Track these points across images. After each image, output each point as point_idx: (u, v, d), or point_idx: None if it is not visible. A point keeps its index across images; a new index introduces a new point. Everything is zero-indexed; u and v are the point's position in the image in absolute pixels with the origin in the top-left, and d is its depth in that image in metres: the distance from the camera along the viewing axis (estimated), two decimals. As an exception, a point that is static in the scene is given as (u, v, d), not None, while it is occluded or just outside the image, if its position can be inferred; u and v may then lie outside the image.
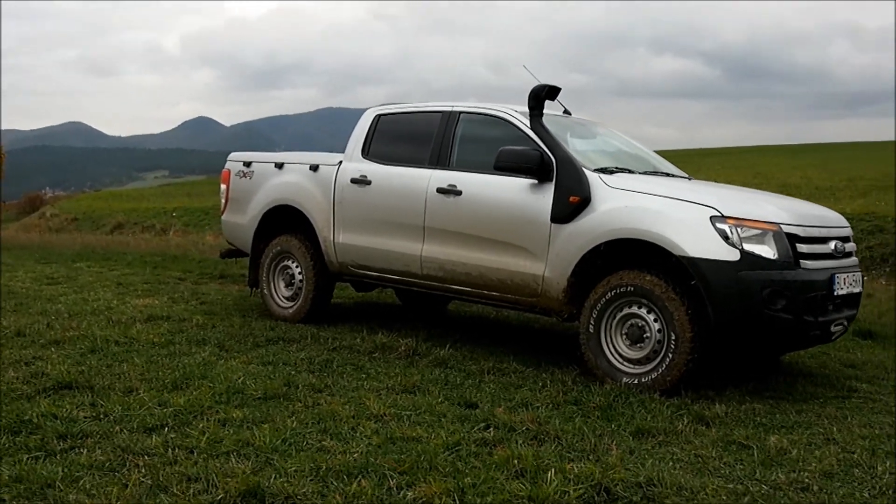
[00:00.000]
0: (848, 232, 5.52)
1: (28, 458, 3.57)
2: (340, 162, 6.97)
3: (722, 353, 5.25)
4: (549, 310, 5.74)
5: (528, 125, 5.89)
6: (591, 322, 5.36)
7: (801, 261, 4.97)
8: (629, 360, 5.24)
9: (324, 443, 3.96)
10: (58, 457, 3.65)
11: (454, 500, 3.26)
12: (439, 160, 6.32)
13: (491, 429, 4.25)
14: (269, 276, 7.45)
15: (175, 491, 3.28)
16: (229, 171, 7.87)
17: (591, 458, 3.85)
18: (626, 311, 5.26)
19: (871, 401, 5.19)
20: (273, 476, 3.43)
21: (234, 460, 3.65)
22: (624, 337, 5.28)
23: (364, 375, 5.37)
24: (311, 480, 3.43)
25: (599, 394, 4.93)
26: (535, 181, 5.68)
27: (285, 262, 7.35)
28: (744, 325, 4.91)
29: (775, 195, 5.93)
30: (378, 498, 3.29)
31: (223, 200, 7.95)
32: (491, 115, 6.24)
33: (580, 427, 4.31)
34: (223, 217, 8.01)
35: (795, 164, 32.86)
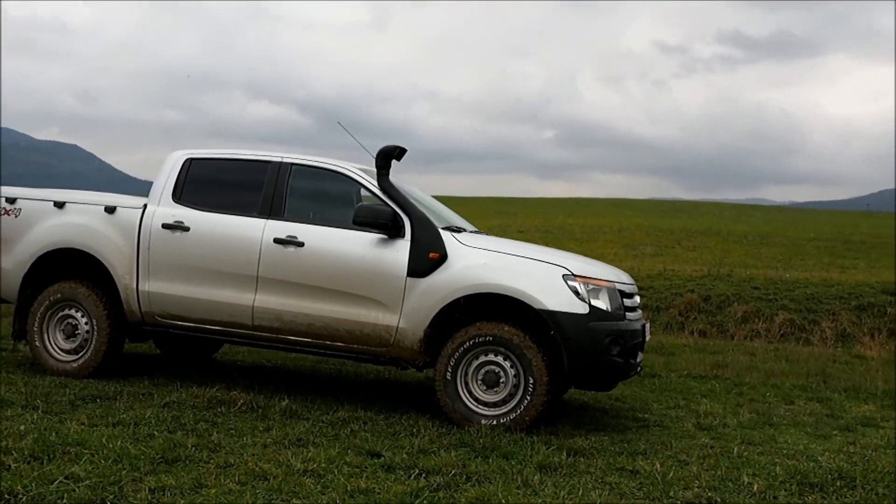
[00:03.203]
0: (636, 288, 6.62)
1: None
2: (145, 205, 6.57)
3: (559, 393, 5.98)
4: (400, 359, 6.04)
5: (374, 182, 6.18)
6: (449, 370, 5.78)
7: (626, 313, 5.91)
8: (484, 404, 5.74)
9: (294, 502, 3.91)
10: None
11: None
12: (272, 210, 6.30)
13: (424, 475, 4.47)
14: (42, 327, 6.68)
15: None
16: (-16, 207, 6.92)
17: (537, 492, 4.29)
18: (482, 358, 5.77)
19: (663, 427, 6.27)
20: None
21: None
22: (479, 383, 5.77)
23: (232, 431, 5.20)
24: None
25: (476, 435, 5.35)
26: (386, 236, 5.98)
27: (66, 312, 6.65)
28: (590, 368, 5.69)
29: (578, 255, 6.84)
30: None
31: (-27, 240, 6.94)
32: (330, 171, 6.40)
33: (498, 466, 4.73)
34: (-28, 260, 6.98)
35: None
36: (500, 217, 45.50)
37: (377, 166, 6.14)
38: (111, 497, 3.80)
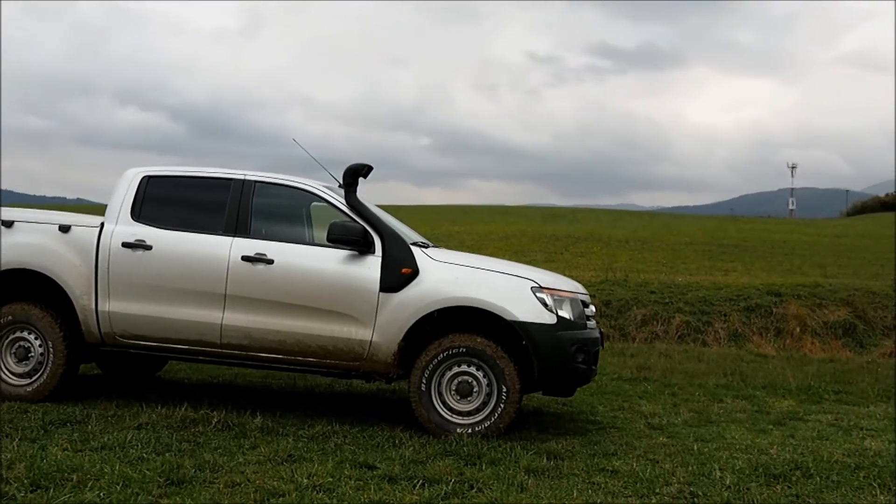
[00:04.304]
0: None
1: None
2: (102, 224, 6.46)
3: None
4: (373, 372, 6.18)
5: (341, 199, 6.31)
6: (423, 381, 5.97)
7: (587, 322, 6.26)
8: (459, 413, 5.96)
9: (319, 517, 4.03)
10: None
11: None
12: (237, 228, 6.32)
13: (427, 485, 4.66)
14: (-9, 351, 6.46)
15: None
16: (-82, 226, 6.62)
17: (538, 495, 4.54)
18: (455, 369, 5.98)
19: (618, 429, 6.64)
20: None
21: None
22: (453, 393, 5.98)
23: (220, 450, 5.23)
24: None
25: (458, 444, 5.56)
26: (356, 253, 6.12)
27: (18, 334, 6.46)
28: (558, 375, 6.01)
29: (536, 268, 7.11)
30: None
31: None
32: (294, 188, 6.48)
33: (491, 472, 4.96)
34: None
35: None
36: (388, 225, 45.72)
37: (345, 183, 6.28)
38: (141, 521, 3.81)
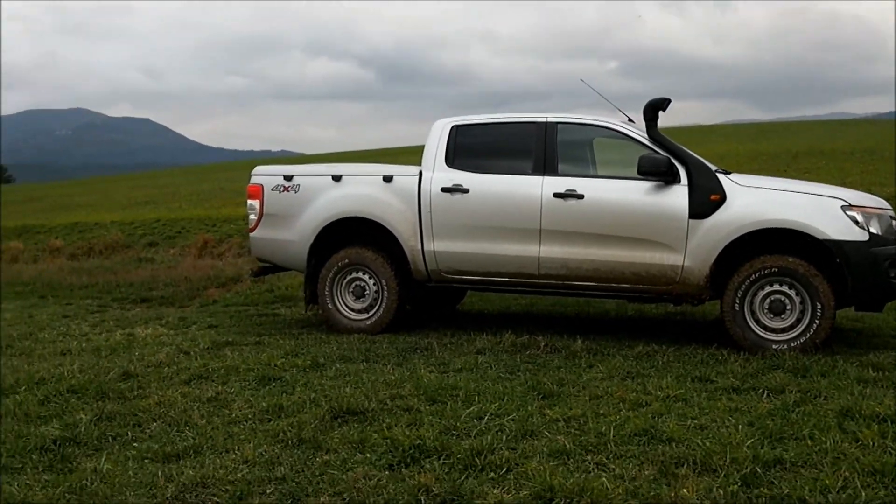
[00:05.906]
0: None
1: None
2: (420, 172, 7.17)
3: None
4: (685, 295, 6.58)
5: (642, 134, 6.66)
6: (737, 301, 6.29)
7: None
8: (772, 331, 6.24)
9: (693, 422, 4.48)
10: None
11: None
12: (546, 167, 6.83)
13: (772, 394, 5.01)
14: (332, 291, 7.40)
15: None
16: (261, 185, 7.63)
17: (885, 403, 4.76)
18: (767, 289, 6.25)
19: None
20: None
21: (685, 446, 4.10)
22: (766, 311, 6.26)
23: (562, 369, 5.80)
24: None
25: (781, 359, 5.85)
26: (663, 183, 6.47)
27: (355, 275, 7.36)
28: (871, 291, 6.15)
29: (836, 187, 7.16)
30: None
31: (254, 217, 7.67)
32: (596, 126, 6.90)
33: (829, 383, 5.22)
34: (255, 234, 7.72)
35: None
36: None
37: (646, 118, 6.61)
38: (537, 428, 4.42)
